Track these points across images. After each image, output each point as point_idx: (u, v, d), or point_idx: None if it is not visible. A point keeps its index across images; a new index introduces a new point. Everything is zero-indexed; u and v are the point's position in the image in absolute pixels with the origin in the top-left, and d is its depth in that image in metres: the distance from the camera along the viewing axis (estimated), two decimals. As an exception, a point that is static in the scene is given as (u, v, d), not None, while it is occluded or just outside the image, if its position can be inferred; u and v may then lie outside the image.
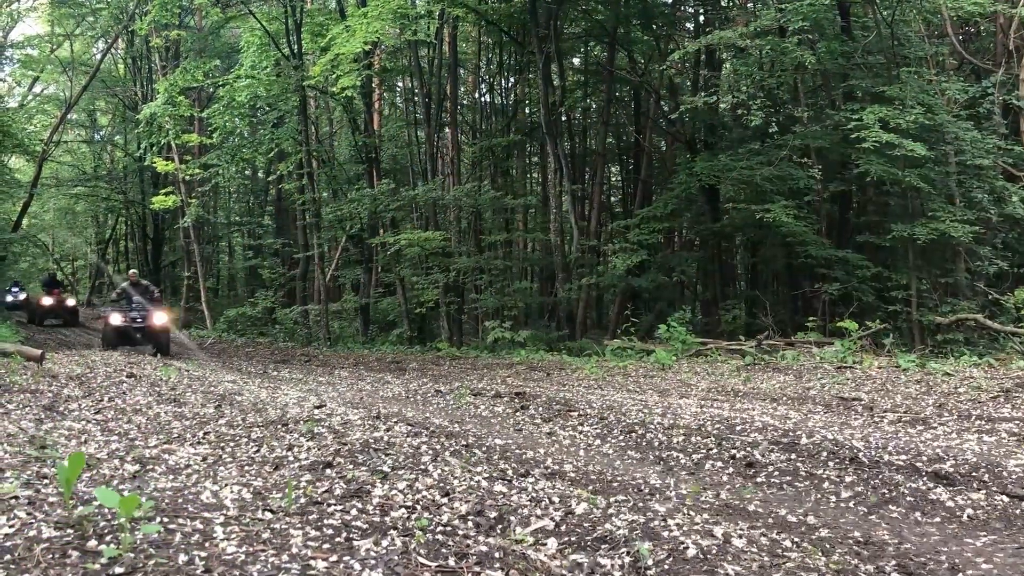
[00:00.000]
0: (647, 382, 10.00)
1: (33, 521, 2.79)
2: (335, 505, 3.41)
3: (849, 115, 13.74)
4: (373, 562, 2.71)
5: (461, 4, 18.87)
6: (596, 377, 10.76)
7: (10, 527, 2.71)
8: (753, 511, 3.85)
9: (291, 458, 4.49)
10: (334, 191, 24.03)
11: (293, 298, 26.51)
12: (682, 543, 3.15)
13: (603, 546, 3.10)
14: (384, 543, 2.92)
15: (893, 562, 3.10)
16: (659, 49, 20.29)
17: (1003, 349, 11.89)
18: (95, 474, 3.71)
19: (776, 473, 4.71)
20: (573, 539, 3.16)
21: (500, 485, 4.03)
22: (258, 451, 4.69)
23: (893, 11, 14.99)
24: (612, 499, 3.87)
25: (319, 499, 3.50)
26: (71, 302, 25.35)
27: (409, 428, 5.85)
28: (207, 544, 2.73)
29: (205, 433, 5.24)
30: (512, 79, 25.07)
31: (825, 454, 5.02)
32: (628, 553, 3.00)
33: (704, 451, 5.29)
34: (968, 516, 3.81)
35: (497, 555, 2.88)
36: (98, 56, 30.03)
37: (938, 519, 3.80)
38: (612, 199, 27.41)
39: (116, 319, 15.09)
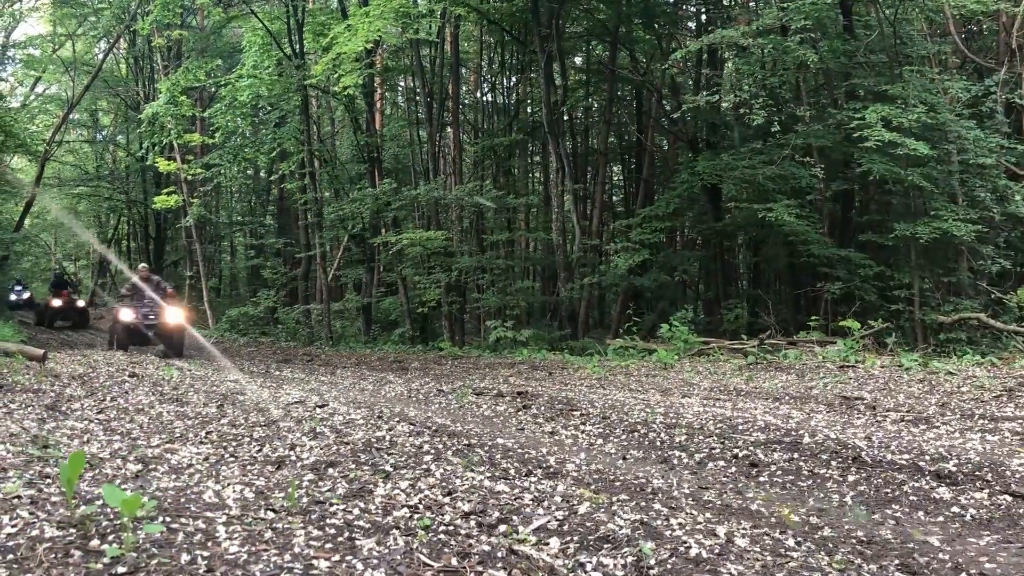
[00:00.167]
0: (649, 381, 9.99)
1: (36, 521, 2.79)
2: (337, 504, 3.41)
3: (851, 114, 13.72)
4: (376, 562, 2.71)
5: (463, 3, 18.86)
6: (598, 376, 10.75)
7: (13, 527, 2.72)
8: (756, 510, 3.84)
9: (293, 457, 4.49)
10: (336, 191, 24.03)
11: (295, 298, 26.52)
12: (685, 542, 3.14)
13: (606, 545, 3.10)
14: (387, 543, 2.92)
15: (896, 561, 3.09)
16: (661, 48, 20.28)
17: (1006, 348, 11.88)
18: (97, 474, 3.71)
19: (779, 472, 4.70)
20: (576, 538, 3.16)
21: (502, 484, 4.03)
22: (260, 450, 4.69)
23: (895, 9, 14.97)
24: (614, 498, 3.86)
25: (321, 498, 3.50)
26: (81, 303, 25.09)
27: (411, 427, 5.85)
28: (209, 544, 2.73)
29: (207, 433, 5.24)
30: (514, 78, 25.05)
31: (828, 453, 5.01)
32: (631, 553, 3.00)
33: (706, 450, 5.29)
34: (971, 516, 3.80)
35: (500, 555, 2.88)
36: (100, 56, 30.08)
37: (941, 518, 3.79)
38: (614, 198, 27.41)
39: (127, 315, 13.98)
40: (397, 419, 6.29)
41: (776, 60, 16.68)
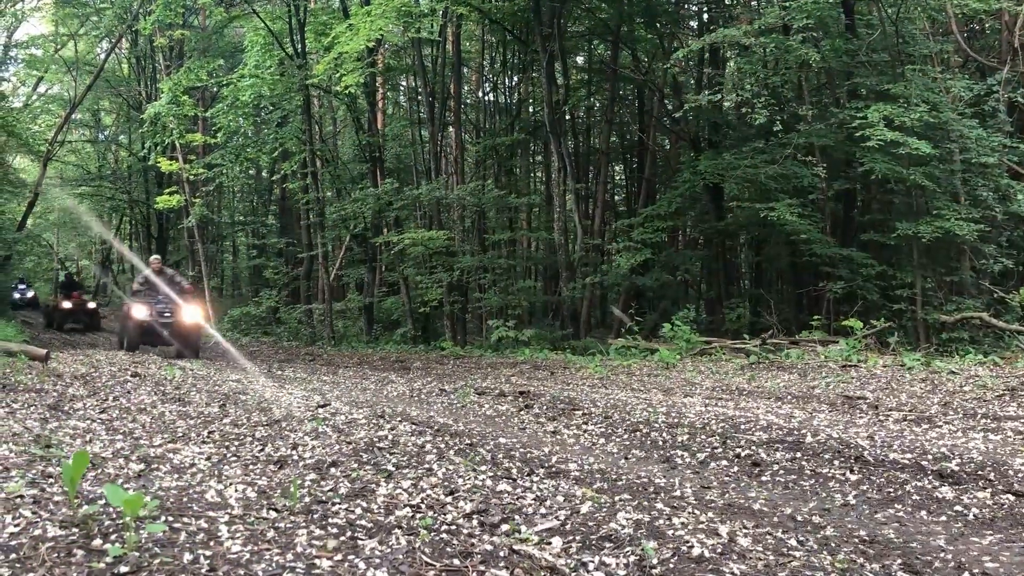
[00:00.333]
0: (651, 381, 9.99)
1: (38, 520, 2.79)
2: (340, 504, 3.41)
3: (853, 113, 13.71)
4: (378, 561, 2.71)
5: (464, 2, 18.86)
6: (600, 376, 10.75)
7: (15, 526, 2.72)
8: (758, 510, 3.84)
9: (296, 457, 4.49)
10: (338, 190, 24.06)
11: (297, 297, 26.54)
12: (687, 542, 3.14)
13: (608, 545, 3.10)
14: (389, 542, 2.92)
15: (899, 561, 3.09)
16: (663, 47, 20.28)
17: (1008, 347, 11.86)
18: (100, 473, 3.71)
19: (781, 472, 4.70)
20: (578, 538, 3.16)
21: (504, 484, 4.02)
22: (263, 450, 4.69)
23: (898, 8, 14.96)
24: (617, 498, 3.86)
25: (324, 498, 3.50)
26: (91, 304, 24.37)
27: (413, 427, 5.85)
28: (212, 543, 2.73)
29: (210, 432, 5.24)
30: (516, 78, 25.06)
31: (830, 453, 5.01)
32: (633, 552, 3.00)
33: (709, 450, 5.28)
34: (974, 515, 3.79)
35: (502, 554, 2.88)
36: (102, 56, 30.11)
37: (944, 518, 3.78)
38: (616, 198, 27.41)
39: (140, 312, 12.82)
40: (399, 418, 6.29)
41: (778, 59, 16.67)
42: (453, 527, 3.18)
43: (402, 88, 28.67)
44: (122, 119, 34.63)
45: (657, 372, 11.01)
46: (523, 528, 3.24)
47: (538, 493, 3.87)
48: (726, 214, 18.45)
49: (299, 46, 21.43)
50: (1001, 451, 5.02)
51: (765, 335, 13.15)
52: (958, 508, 3.91)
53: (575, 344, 16.31)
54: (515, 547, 2.95)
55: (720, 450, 5.26)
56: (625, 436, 5.87)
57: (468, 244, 21.01)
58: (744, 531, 3.36)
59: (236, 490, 3.53)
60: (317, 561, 2.65)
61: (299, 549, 2.76)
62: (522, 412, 7.15)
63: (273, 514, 3.17)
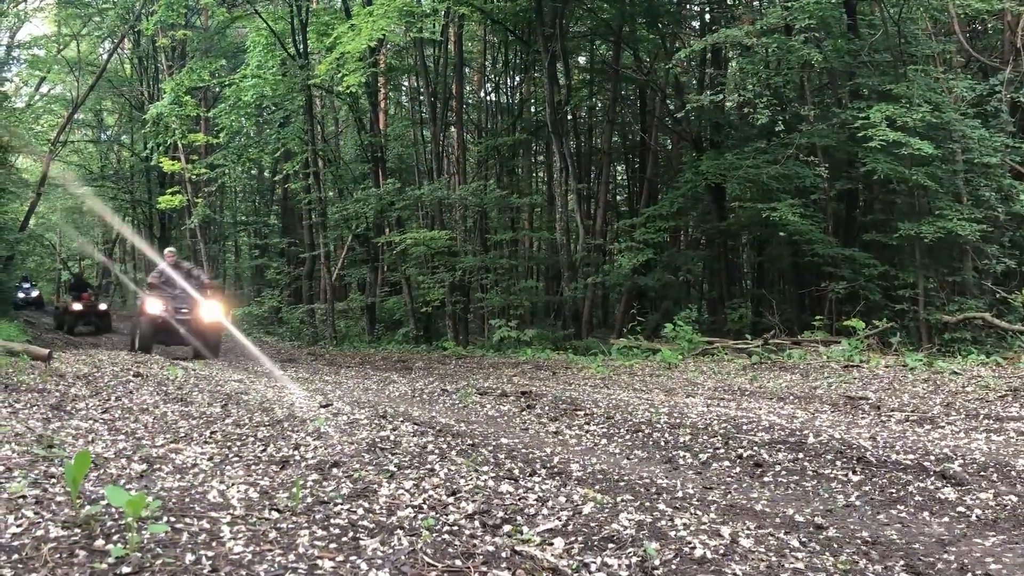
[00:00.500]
0: (653, 381, 9.98)
1: (41, 520, 2.79)
2: (342, 504, 3.41)
3: (856, 113, 13.70)
4: (380, 562, 2.71)
5: (466, 3, 18.87)
6: (602, 376, 10.74)
7: (18, 526, 2.72)
8: (760, 511, 3.84)
9: (297, 457, 4.49)
10: (340, 190, 24.08)
11: (299, 297, 26.57)
12: (689, 543, 3.14)
13: (610, 546, 3.09)
14: (391, 543, 2.92)
15: (901, 562, 3.08)
16: (665, 48, 20.27)
17: (1011, 348, 11.84)
18: (102, 473, 3.72)
19: (783, 472, 4.70)
20: (580, 539, 3.16)
21: (506, 485, 4.02)
22: (265, 450, 4.69)
23: (900, 9, 14.94)
24: (619, 498, 3.86)
25: (326, 498, 3.50)
26: (102, 306, 23.65)
27: (415, 427, 5.85)
28: (214, 543, 2.73)
29: (212, 432, 5.25)
30: (518, 78, 25.07)
31: (832, 453, 5.00)
32: (635, 553, 3.00)
33: (711, 450, 5.28)
34: (977, 516, 3.79)
35: (504, 555, 2.88)
36: (104, 56, 30.10)
37: (946, 519, 3.78)
38: (618, 198, 27.39)
39: (155, 307, 11.85)
40: (401, 419, 6.29)
41: (780, 59, 16.65)
42: (455, 528, 3.18)
43: (404, 88, 28.67)
44: (124, 119, 34.66)
45: (659, 372, 11.00)
46: (525, 529, 3.24)
47: (540, 494, 3.87)
48: (728, 214, 18.44)
49: (301, 46, 21.44)
50: (1004, 452, 5.01)
51: (767, 335, 13.14)
52: (961, 509, 3.90)
53: (577, 344, 16.30)
54: (517, 548, 2.95)
55: (722, 451, 5.26)
56: (627, 436, 5.87)
57: (470, 244, 21.02)
58: (746, 532, 3.36)
59: (238, 490, 3.53)
60: (319, 562, 2.65)
61: (301, 550, 2.76)
62: (524, 412, 7.14)
63: (275, 514, 3.17)
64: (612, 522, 3.38)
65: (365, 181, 22.78)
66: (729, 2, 20.93)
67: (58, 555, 2.50)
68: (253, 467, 4.16)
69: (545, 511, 3.54)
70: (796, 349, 12.28)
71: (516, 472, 4.45)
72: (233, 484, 3.65)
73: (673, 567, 2.90)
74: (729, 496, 4.15)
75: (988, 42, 18.00)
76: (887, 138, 12.70)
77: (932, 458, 4.78)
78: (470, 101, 26.73)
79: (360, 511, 3.32)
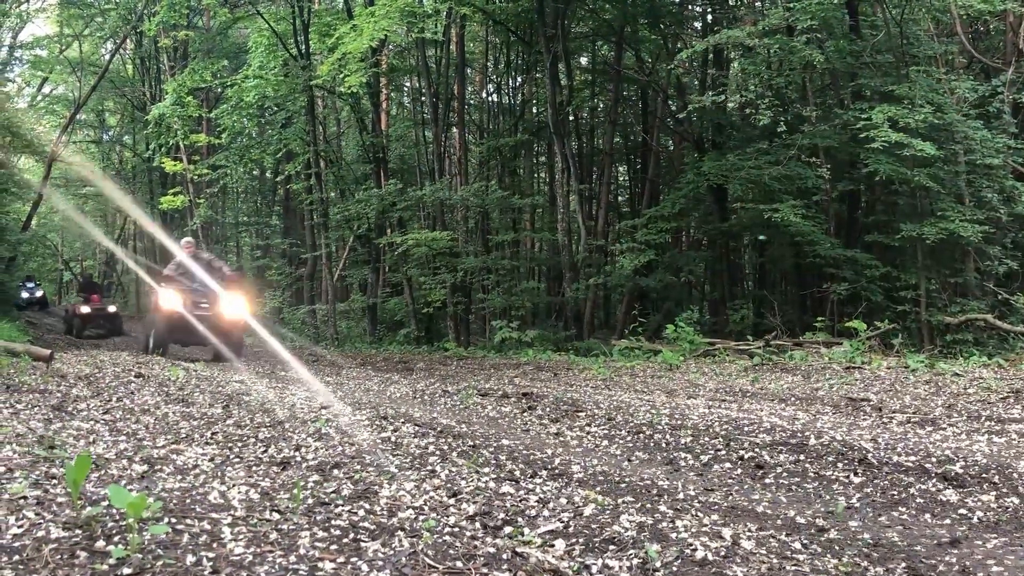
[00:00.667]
0: (655, 382, 9.97)
1: (42, 521, 2.79)
2: (343, 506, 3.41)
3: (858, 114, 13.69)
4: (381, 563, 2.71)
5: (468, 3, 18.88)
6: (603, 377, 10.74)
7: (19, 527, 2.72)
8: (762, 512, 3.83)
9: (298, 458, 4.49)
10: (342, 191, 24.09)
11: (301, 298, 26.59)
12: (691, 545, 3.14)
13: (611, 547, 3.09)
14: (392, 544, 2.92)
15: (903, 565, 3.08)
16: (667, 48, 20.27)
17: (1013, 349, 11.83)
18: (103, 474, 3.72)
19: (785, 474, 4.69)
20: (581, 540, 3.15)
21: (508, 486, 4.02)
22: (266, 451, 4.69)
23: (902, 10, 14.94)
24: (620, 500, 3.86)
25: (327, 500, 3.50)
26: (112, 308, 22.94)
27: (416, 428, 5.85)
28: (215, 545, 2.73)
29: (213, 433, 5.25)
30: (519, 78, 25.08)
31: (834, 455, 4.99)
32: (636, 555, 2.99)
33: (712, 452, 5.27)
34: (978, 518, 3.78)
35: (505, 556, 2.88)
36: (106, 57, 30.15)
37: (948, 521, 3.77)
38: (619, 198, 27.38)
39: (170, 301, 10.60)
40: (402, 420, 6.29)
41: (782, 60, 16.64)
42: (456, 529, 3.18)
43: (406, 89, 28.70)
44: (126, 120, 34.73)
45: (660, 374, 10.99)
46: (526, 530, 3.24)
47: (541, 495, 3.87)
48: (730, 215, 18.43)
49: (303, 47, 21.46)
50: (1006, 453, 5.00)
51: (769, 336, 13.13)
52: (963, 511, 3.90)
53: (578, 345, 16.30)
54: (518, 549, 2.95)
55: (723, 452, 5.25)
56: (628, 438, 5.87)
57: (472, 245, 21.03)
58: (747, 534, 3.36)
59: (239, 492, 3.53)
60: (320, 563, 2.65)
61: (302, 551, 2.76)
62: (525, 414, 7.14)
63: (276, 516, 3.17)
64: (613, 524, 3.38)
65: (367, 182, 22.80)
66: (731, 3, 20.94)
67: (59, 556, 2.50)
68: (254, 468, 4.15)
69: (546, 513, 3.54)
70: (798, 350, 12.27)
71: (517, 473, 4.44)
72: (234, 485, 3.65)
73: (674, 569, 2.89)
74: (730, 498, 4.15)
75: (990, 43, 17.98)
76: (889, 139, 12.69)
77: (934, 460, 4.77)
78: (472, 102, 26.76)
79: (361, 512, 3.32)
